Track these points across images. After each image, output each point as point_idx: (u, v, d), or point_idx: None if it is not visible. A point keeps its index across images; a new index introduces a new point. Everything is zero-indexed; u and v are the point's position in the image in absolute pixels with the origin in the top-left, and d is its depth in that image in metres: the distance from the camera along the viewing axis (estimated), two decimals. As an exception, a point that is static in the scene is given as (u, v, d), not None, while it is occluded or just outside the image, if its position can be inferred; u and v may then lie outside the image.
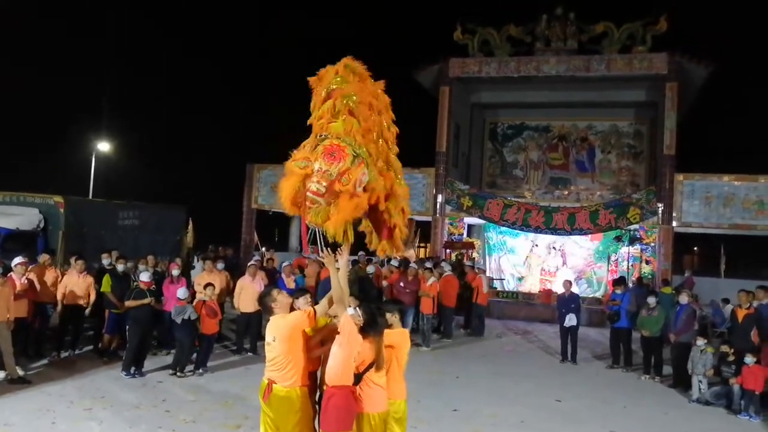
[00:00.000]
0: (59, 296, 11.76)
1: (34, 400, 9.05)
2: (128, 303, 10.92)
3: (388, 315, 6.02)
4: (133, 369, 10.70)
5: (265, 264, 15.73)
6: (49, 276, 11.87)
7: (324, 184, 5.28)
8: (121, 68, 40.37)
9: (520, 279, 23.45)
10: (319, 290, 13.13)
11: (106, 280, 11.88)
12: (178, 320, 10.91)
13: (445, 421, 9.14)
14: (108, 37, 39.50)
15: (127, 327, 10.98)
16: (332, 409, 5.40)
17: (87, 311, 12.07)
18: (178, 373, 10.85)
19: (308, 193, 5.34)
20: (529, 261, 23.47)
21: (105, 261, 13.04)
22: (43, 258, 12.18)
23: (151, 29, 43.01)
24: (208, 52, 45.28)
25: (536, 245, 23.30)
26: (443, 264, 17.18)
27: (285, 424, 5.61)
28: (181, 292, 11.18)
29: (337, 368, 5.42)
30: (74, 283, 11.84)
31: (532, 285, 22.74)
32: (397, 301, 6.53)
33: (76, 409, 8.81)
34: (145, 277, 11.20)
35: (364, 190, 5.46)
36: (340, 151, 5.34)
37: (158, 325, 11.99)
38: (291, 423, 5.60)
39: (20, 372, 9.92)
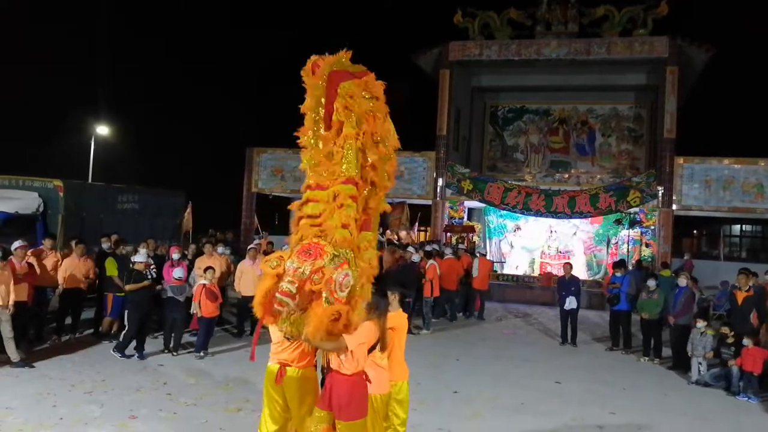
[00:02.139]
0: (60, 280, 11.77)
1: (34, 384, 9.07)
2: (128, 287, 10.93)
3: (388, 294, 6.02)
4: (135, 350, 10.83)
5: (265, 248, 15.73)
6: (49, 260, 11.87)
7: (295, 284, 4.76)
8: (120, 53, 40.20)
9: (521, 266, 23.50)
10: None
11: (112, 264, 11.88)
12: (181, 299, 11.07)
13: (445, 403, 9.18)
14: (106, 24, 39.27)
15: (126, 310, 10.99)
16: (358, 398, 5.34)
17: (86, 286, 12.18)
18: (173, 353, 11.02)
19: (277, 294, 4.79)
20: (509, 240, 23.62)
21: (105, 245, 13.05)
22: (47, 243, 12.16)
23: (149, 17, 42.87)
24: (208, 37, 45.11)
25: (519, 228, 23.40)
26: (447, 250, 17.06)
27: (301, 404, 5.55)
28: (178, 272, 11.30)
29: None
30: (74, 267, 11.86)
31: (517, 266, 22.90)
32: (401, 284, 6.50)
33: (77, 392, 8.84)
34: (139, 257, 11.22)
35: (347, 300, 4.89)
36: (318, 249, 4.86)
37: (158, 308, 12.10)
38: (306, 404, 5.56)
39: (21, 355, 9.95)
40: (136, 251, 12.64)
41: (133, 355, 10.78)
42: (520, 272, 22.20)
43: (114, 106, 35.64)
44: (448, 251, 16.64)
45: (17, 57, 34.01)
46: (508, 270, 22.44)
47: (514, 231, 23.51)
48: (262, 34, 46.09)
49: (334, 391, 5.31)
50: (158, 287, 11.42)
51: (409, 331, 9.90)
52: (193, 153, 38.50)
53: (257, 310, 5.05)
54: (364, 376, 5.38)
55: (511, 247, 23.64)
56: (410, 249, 15.34)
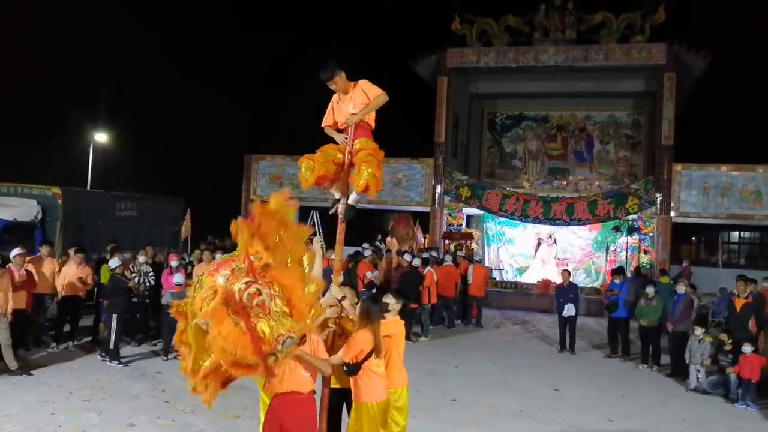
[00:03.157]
0: (59, 287, 11.76)
1: (33, 392, 9.07)
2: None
3: (392, 301, 6.03)
4: (104, 354, 10.95)
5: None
6: (47, 267, 11.86)
7: (247, 275, 4.26)
8: (117, 59, 40.19)
9: (521, 271, 23.36)
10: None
11: (107, 272, 11.87)
12: None
13: (444, 410, 9.17)
14: (105, 27, 39.22)
15: (111, 316, 11.01)
16: (314, 416, 5.23)
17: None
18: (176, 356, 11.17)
19: (246, 293, 4.16)
20: (539, 255, 23.40)
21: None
22: (44, 250, 12.16)
23: (148, 19, 42.87)
24: (205, 42, 45.12)
25: (542, 239, 23.29)
26: (447, 257, 17.07)
27: None
28: (178, 277, 11.36)
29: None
30: (73, 275, 11.85)
31: (534, 276, 22.70)
32: (402, 293, 6.48)
33: (75, 399, 8.84)
34: (113, 263, 11.30)
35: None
36: (224, 263, 4.43)
37: (155, 314, 12.23)
38: None
39: (19, 363, 9.93)
40: (134, 258, 12.72)
41: (130, 359, 10.82)
42: (534, 280, 21.91)
43: (112, 110, 35.65)
44: (447, 258, 16.66)
45: (15, 63, 34.00)
46: (528, 279, 22.28)
47: (539, 245, 23.30)
48: (262, 35, 46.05)
49: (286, 415, 5.02)
50: (131, 282, 11.45)
51: (408, 339, 9.93)
52: (192, 159, 38.46)
53: (244, 354, 4.11)
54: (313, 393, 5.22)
55: (533, 257, 23.46)
56: (406, 256, 15.33)
